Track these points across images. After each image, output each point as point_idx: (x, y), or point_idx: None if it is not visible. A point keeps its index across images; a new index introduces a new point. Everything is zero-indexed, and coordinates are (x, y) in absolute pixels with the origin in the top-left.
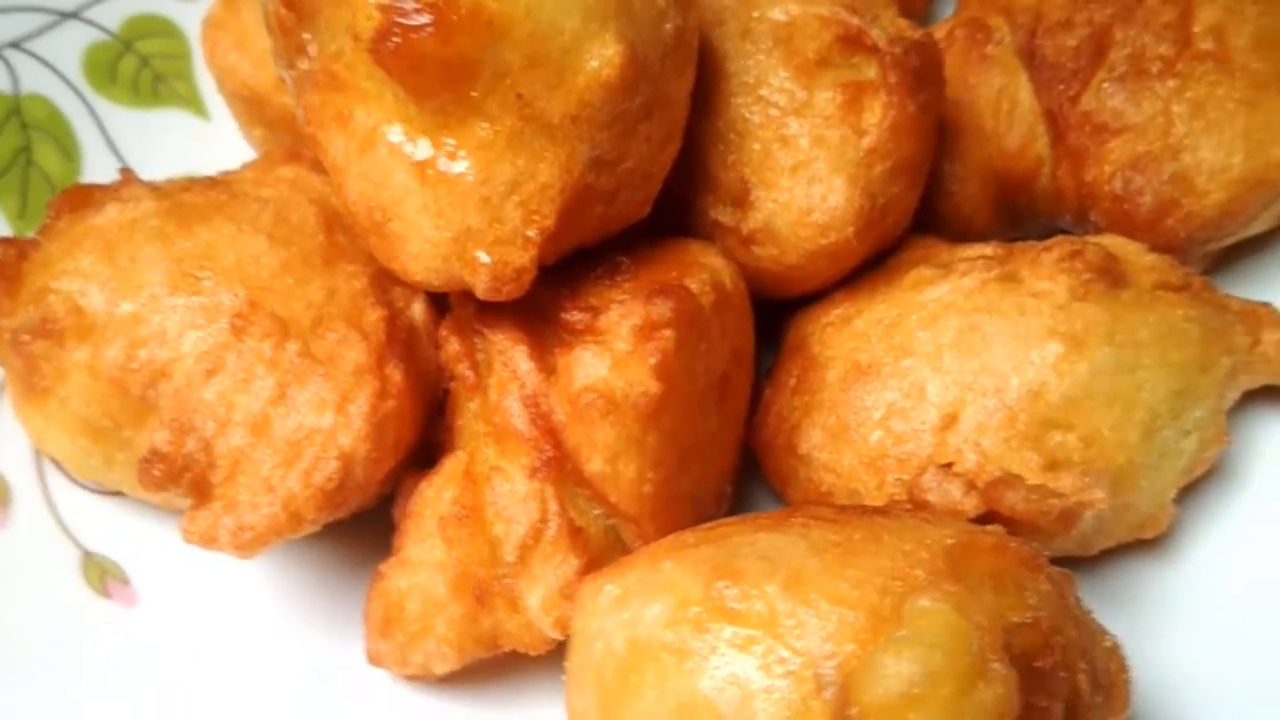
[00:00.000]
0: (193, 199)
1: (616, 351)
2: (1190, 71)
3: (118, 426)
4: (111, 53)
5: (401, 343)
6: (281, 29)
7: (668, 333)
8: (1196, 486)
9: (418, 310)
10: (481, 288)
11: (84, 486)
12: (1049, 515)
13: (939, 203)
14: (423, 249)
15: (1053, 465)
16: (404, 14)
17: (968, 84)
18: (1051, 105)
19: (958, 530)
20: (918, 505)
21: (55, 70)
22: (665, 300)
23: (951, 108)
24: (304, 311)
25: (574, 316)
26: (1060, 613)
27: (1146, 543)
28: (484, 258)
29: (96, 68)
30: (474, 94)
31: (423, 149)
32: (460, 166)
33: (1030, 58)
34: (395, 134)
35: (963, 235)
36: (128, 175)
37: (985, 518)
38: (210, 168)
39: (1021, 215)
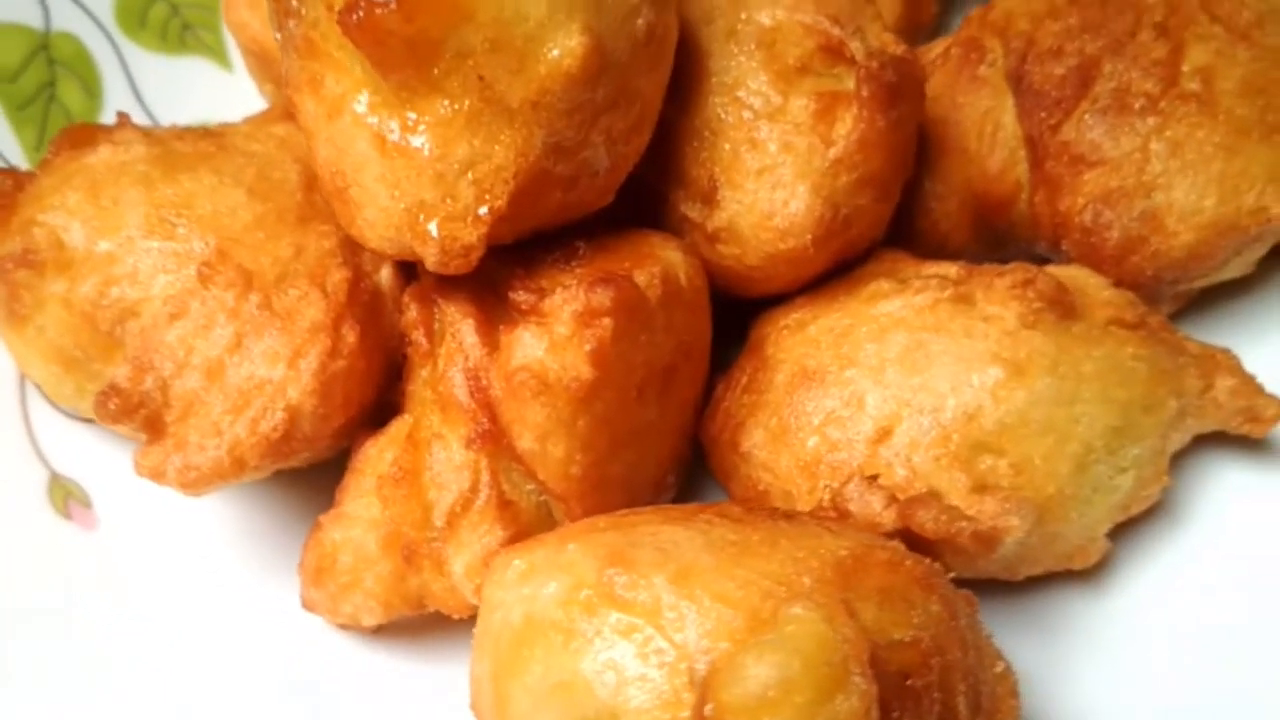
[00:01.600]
0: (182, 148)
1: (556, 335)
2: (1173, 111)
3: (88, 358)
4: None
5: (363, 305)
6: None
7: (606, 321)
8: (1137, 524)
9: (385, 275)
10: (430, 260)
11: (61, 411)
12: (959, 537)
13: (918, 219)
14: (378, 217)
15: (981, 488)
16: None
17: (956, 103)
18: (1032, 131)
19: (856, 543)
20: (840, 513)
21: (87, 11)
22: (606, 289)
23: (938, 126)
24: (270, 266)
25: (520, 296)
26: (946, 634)
27: (1080, 574)
28: (434, 232)
29: (128, 12)
30: (436, 72)
31: (385, 121)
32: (419, 141)
33: (1018, 82)
34: (361, 104)
35: (940, 253)
36: (123, 119)
37: (903, 533)
38: (227, 118)
39: (1002, 238)
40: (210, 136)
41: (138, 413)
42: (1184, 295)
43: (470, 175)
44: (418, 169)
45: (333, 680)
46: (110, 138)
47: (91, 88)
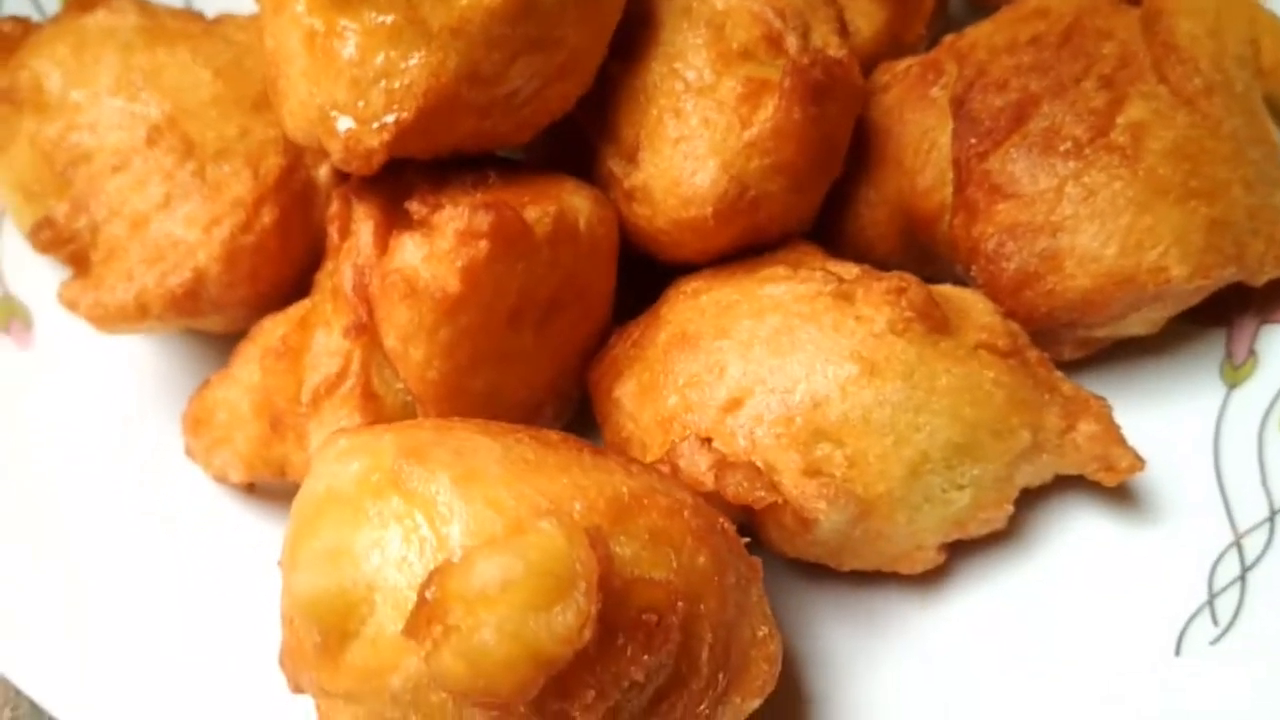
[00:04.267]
0: (171, 24)
1: (435, 246)
2: (1095, 159)
3: (44, 193)
4: None
5: (291, 193)
6: None
7: (483, 244)
8: (982, 546)
9: (324, 171)
10: (335, 157)
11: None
12: (757, 505)
13: (847, 221)
14: (297, 108)
15: (813, 472)
16: None
17: (903, 118)
18: (960, 156)
19: (642, 485)
20: (673, 467)
21: None
22: (488, 214)
23: (882, 136)
24: (213, 141)
25: (415, 207)
26: (705, 585)
27: (915, 583)
28: (341, 130)
29: None
30: None
31: (317, 22)
32: (342, 46)
33: (958, 107)
34: (300, 4)
35: (864, 257)
36: None
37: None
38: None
39: (927, 254)
40: (202, 22)
41: (65, 247)
42: (1087, 343)
43: (383, 84)
44: (337, 70)
45: (197, 523)
46: (109, 4)
47: None
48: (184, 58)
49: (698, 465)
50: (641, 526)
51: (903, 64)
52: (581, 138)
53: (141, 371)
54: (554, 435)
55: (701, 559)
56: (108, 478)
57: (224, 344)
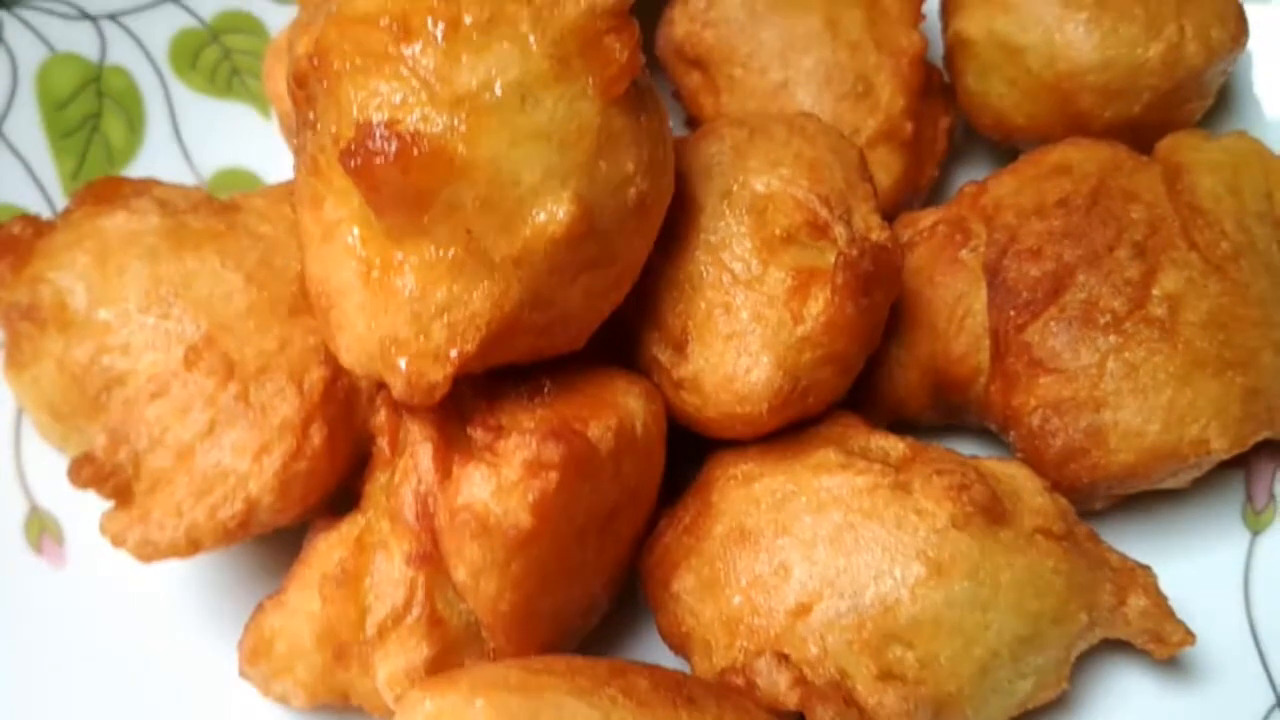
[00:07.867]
0: (194, 223)
1: (503, 478)
2: (1135, 333)
3: (74, 415)
4: (199, 40)
5: (337, 403)
6: (294, 101)
7: (553, 475)
8: (1031, 713)
9: None
10: (396, 392)
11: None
12: None
13: (880, 381)
14: (353, 343)
15: (885, 676)
16: (373, 136)
17: (933, 280)
18: (998, 326)
19: None
20: (747, 683)
21: (143, 48)
22: (558, 445)
23: (913, 298)
24: (254, 357)
25: (479, 434)
26: None
27: None
28: (403, 366)
29: (181, 52)
30: (426, 219)
31: (372, 255)
32: (401, 280)
33: (993, 275)
34: (353, 236)
35: (895, 415)
36: (150, 183)
37: (801, 715)
38: (259, 164)
39: (957, 411)
40: (224, 212)
41: (108, 482)
42: (1118, 496)
43: (445, 318)
44: (396, 305)
45: None
46: (128, 205)
47: (135, 123)
48: (213, 263)
49: (777, 685)
50: None
51: (926, 219)
52: (623, 321)
53: (183, 583)
54: (643, 683)
55: None
56: (156, 705)
57: (266, 547)
